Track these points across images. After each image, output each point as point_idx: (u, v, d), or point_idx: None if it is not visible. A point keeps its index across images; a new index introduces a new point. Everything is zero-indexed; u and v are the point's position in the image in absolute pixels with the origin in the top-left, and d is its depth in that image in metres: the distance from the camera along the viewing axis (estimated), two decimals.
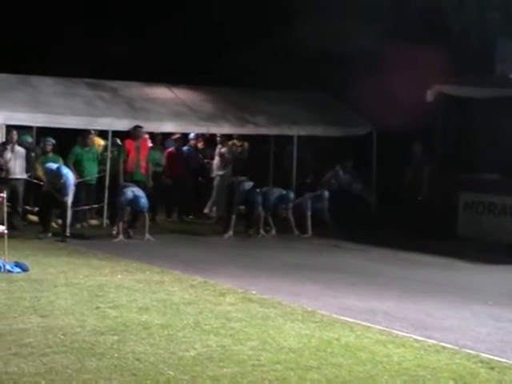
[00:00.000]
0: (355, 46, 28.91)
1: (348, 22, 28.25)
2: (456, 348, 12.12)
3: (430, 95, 25.84)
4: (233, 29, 32.69)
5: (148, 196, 23.32)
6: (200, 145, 29.77)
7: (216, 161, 28.99)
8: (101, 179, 25.59)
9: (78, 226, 24.74)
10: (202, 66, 32.43)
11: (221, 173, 28.73)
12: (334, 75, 29.75)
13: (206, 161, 29.28)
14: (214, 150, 29.25)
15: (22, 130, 25.30)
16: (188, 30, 33.52)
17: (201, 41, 33.39)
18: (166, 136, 28.82)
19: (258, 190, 24.77)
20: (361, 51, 28.84)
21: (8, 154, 24.16)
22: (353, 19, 28.44)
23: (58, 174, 22.50)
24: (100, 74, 28.13)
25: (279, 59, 31.59)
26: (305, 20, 30.21)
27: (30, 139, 25.78)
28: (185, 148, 28.72)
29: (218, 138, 29.03)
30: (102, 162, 25.86)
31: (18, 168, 24.27)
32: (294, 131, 28.31)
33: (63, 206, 22.53)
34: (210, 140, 29.72)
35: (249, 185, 24.63)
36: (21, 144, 24.67)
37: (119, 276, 17.11)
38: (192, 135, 29.17)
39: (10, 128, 24.58)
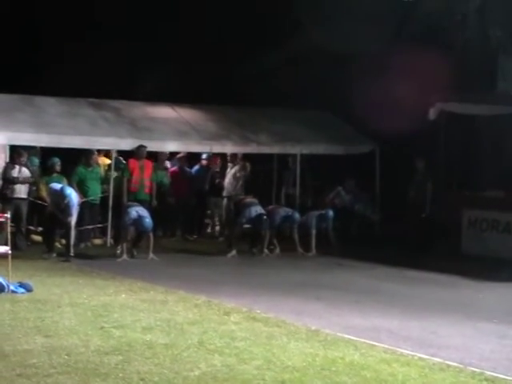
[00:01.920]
0: (358, 64, 28.95)
1: (351, 39, 28.20)
2: (461, 366, 12.10)
3: (432, 113, 25.89)
4: (233, 47, 32.69)
5: (152, 216, 23.33)
6: (216, 164, 29.49)
7: (228, 180, 28.90)
8: (104, 199, 25.57)
9: (82, 245, 24.76)
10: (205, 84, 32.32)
11: (234, 193, 28.63)
12: (337, 93, 29.75)
13: (217, 181, 29.08)
14: (226, 169, 29.21)
15: (30, 150, 25.35)
16: (188, 47, 33.46)
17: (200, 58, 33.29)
18: (173, 155, 28.82)
19: (264, 213, 24.71)
20: (364, 69, 28.87)
21: (15, 173, 24.18)
22: (356, 37, 28.40)
23: (61, 194, 22.55)
24: (102, 94, 28.13)
25: (282, 77, 31.59)
26: (309, 39, 30.21)
27: (36, 162, 25.76)
28: (195, 168, 28.74)
29: (229, 158, 29.01)
30: (105, 181, 25.85)
31: (23, 188, 24.32)
32: (297, 149, 28.30)
33: (67, 226, 22.52)
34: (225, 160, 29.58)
35: (256, 210, 24.53)
36: (26, 165, 24.65)
37: (123, 296, 17.12)
38: (204, 155, 28.99)
39: (18, 149, 24.55)
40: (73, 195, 22.62)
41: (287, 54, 31.08)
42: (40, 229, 25.10)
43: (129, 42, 33.28)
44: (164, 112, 28.57)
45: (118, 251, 22.99)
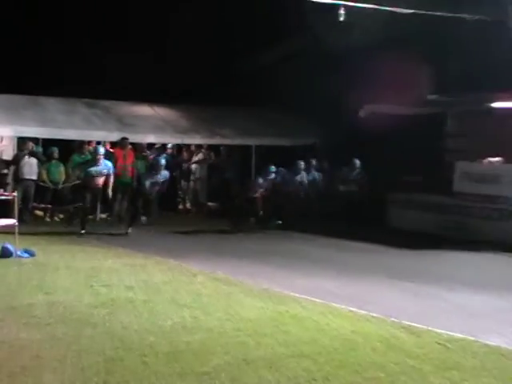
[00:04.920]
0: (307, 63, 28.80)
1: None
2: (383, 317, 12.24)
3: (362, 112, 26.03)
4: (208, 53, 32.38)
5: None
6: (185, 154, 30.13)
7: (195, 166, 29.29)
8: None
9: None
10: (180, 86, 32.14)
11: (198, 176, 29.20)
12: (288, 91, 29.74)
13: (185, 165, 29.40)
14: (191, 157, 29.52)
15: (35, 141, 25.62)
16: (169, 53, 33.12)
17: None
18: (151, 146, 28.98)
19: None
20: (310, 68, 28.76)
21: (24, 159, 24.70)
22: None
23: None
24: (96, 93, 28.08)
25: (245, 80, 31.53)
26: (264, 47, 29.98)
27: (40, 149, 25.93)
28: (163, 155, 29.04)
29: (194, 148, 29.39)
30: None
31: (31, 170, 24.82)
32: (252, 142, 28.57)
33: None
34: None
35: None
36: (33, 153, 24.87)
37: (110, 261, 17.11)
38: (169, 145, 29.59)
39: (25, 140, 24.97)
40: None
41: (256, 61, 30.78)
42: (42, 205, 25.12)
43: (118, 48, 32.86)
44: (144, 110, 28.79)
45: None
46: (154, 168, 25.02)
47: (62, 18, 34.04)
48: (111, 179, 22.41)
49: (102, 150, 23.02)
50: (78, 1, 33.00)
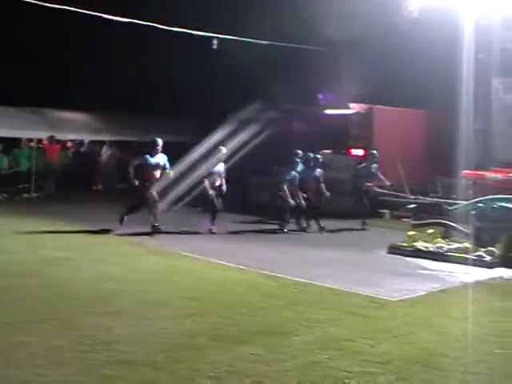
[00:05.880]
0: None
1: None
2: (249, 268, 12.47)
3: (229, 118, 25.83)
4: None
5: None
6: (96, 147, 30.04)
7: (104, 159, 29.21)
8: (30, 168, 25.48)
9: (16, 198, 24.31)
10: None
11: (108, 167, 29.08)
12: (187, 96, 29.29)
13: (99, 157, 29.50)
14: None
15: None
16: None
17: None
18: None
19: None
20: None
21: None
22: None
23: None
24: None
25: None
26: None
27: None
28: (82, 149, 29.31)
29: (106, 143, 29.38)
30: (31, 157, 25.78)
31: None
32: (148, 139, 28.52)
33: None
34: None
35: None
36: None
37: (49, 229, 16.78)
38: (86, 141, 29.69)
39: None
40: None
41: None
42: None
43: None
44: (69, 115, 28.37)
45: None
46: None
47: None
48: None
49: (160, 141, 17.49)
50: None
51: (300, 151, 17.55)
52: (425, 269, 13.10)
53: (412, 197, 16.91)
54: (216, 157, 17.88)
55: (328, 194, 18.66)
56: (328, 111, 22.72)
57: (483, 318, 9.27)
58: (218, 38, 23.11)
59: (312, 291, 10.81)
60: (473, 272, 12.75)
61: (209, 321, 8.83)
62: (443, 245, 14.54)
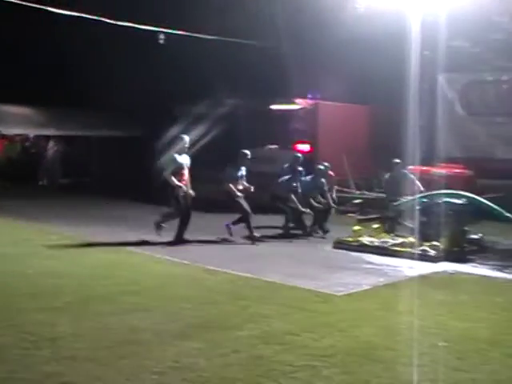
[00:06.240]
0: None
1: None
2: (191, 263, 12.47)
3: (175, 111, 25.83)
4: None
5: None
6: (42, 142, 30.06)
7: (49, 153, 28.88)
8: None
9: None
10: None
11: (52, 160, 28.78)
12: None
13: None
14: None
15: None
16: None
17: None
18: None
19: None
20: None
21: None
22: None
23: None
24: None
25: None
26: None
27: None
28: (27, 143, 29.07)
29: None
30: None
31: None
32: (91, 133, 28.47)
33: None
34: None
35: None
36: None
37: None
38: (31, 135, 29.51)
39: None
40: None
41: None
42: None
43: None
44: (15, 110, 28.05)
45: None
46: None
47: None
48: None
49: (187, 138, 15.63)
50: None
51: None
52: (370, 263, 13.18)
53: (357, 192, 17.01)
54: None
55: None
56: (274, 107, 22.76)
57: (427, 311, 9.35)
58: (164, 32, 23.04)
59: (256, 285, 10.81)
60: (417, 266, 12.86)
61: (152, 316, 8.78)
62: (388, 239, 14.65)
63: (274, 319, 8.74)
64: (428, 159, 20.22)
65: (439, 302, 10.07)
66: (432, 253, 13.66)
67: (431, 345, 7.82)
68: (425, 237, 14.25)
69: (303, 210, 16.42)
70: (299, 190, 16.59)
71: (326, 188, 17.26)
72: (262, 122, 22.64)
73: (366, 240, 14.76)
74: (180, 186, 14.82)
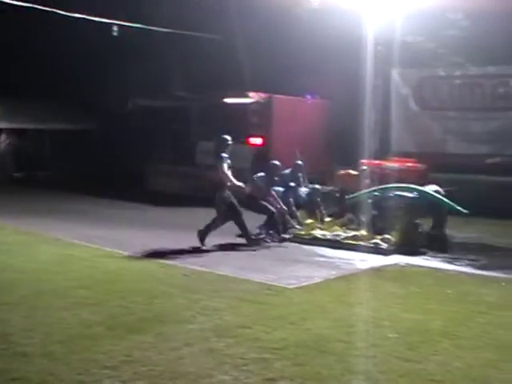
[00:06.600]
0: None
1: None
2: (142, 256, 12.51)
3: (129, 104, 25.91)
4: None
5: None
6: None
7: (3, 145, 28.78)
8: None
9: None
10: None
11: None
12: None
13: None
14: None
15: None
16: None
17: None
18: None
19: None
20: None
21: None
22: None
23: None
24: None
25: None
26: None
27: None
28: None
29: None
30: None
31: None
32: (44, 126, 28.25)
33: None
34: None
35: None
36: None
37: None
38: None
39: None
40: None
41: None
42: None
43: None
44: None
45: None
46: None
47: None
48: None
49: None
50: None
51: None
52: (322, 256, 13.26)
53: (310, 186, 17.07)
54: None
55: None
56: (227, 100, 22.77)
57: (378, 303, 9.46)
58: (118, 25, 22.95)
59: (207, 279, 10.84)
60: (369, 259, 13.00)
61: (105, 310, 8.76)
62: (340, 233, 14.76)
63: (225, 312, 8.77)
64: (382, 153, 20.42)
65: (391, 294, 10.18)
66: (384, 246, 13.80)
67: (382, 336, 7.92)
68: (377, 230, 14.40)
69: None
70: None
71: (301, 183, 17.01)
72: (216, 115, 22.67)
73: (318, 233, 14.85)
74: (241, 186, 14.21)
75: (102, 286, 10.13)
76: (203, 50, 25.46)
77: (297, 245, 14.48)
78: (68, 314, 8.56)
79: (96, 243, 13.67)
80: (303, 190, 16.86)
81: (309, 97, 23.83)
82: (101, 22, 22.73)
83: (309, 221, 15.54)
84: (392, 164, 19.20)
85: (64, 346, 7.31)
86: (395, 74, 22.57)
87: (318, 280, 11.01)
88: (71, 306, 8.89)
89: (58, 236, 14.52)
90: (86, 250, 13.11)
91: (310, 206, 16.47)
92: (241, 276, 11.04)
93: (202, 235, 13.98)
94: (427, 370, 6.95)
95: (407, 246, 13.89)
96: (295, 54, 23.92)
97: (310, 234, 14.81)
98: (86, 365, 6.80)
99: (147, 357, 7.05)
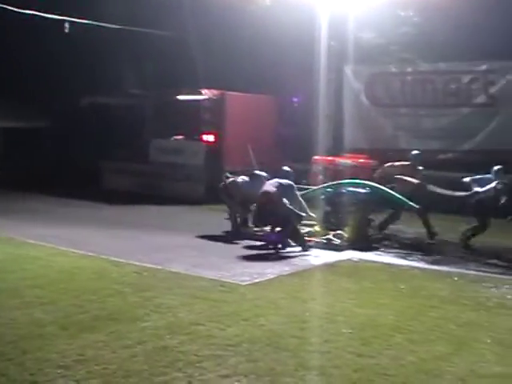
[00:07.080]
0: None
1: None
2: (96, 255, 12.38)
3: (82, 102, 25.72)
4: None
5: None
6: None
7: None
8: None
9: None
10: None
11: None
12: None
13: None
14: None
15: None
16: None
17: None
18: None
19: None
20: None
21: None
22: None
23: None
24: None
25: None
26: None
27: None
28: None
29: None
30: None
31: None
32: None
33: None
34: None
35: None
36: None
37: None
38: None
39: None
40: None
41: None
42: None
43: None
44: None
45: None
46: None
47: None
48: None
49: None
50: None
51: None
52: (276, 253, 13.34)
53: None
54: None
55: None
56: (180, 97, 22.75)
57: (332, 299, 9.56)
58: (69, 21, 22.77)
59: (161, 276, 10.82)
60: (323, 255, 13.11)
61: (58, 309, 8.72)
62: None
63: (179, 309, 8.79)
64: (334, 149, 20.53)
65: (344, 289, 10.29)
66: (337, 242, 13.92)
67: (336, 332, 8.01)
68: (329, 226, 14.50)
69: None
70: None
71: None
72: (169, 112, 22.66)
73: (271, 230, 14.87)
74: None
75: (56, 284, 10.07)
76: (156, 48, 25.40)
77: (251, 242, 14.50)
78: (21, 313, 8.50)
79: (51, 242, 13.53)
80: None
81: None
82: (52, 19, 22.54)
83: None
84: (344, 160, 19.32)
85: (16, 346, 7.27)
86: (348, 70, 22.69)
87: (271, 276, 11.08)
88: (24, 306, 8.83)
89: (11, 235, 14.32)
90: (41, 249, 12.97)
91: None
92: (194, 273, 11.06)
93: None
94: (381, 365, 7.05)
95: (360, 242, 14.03)
96: (249, 51, 23.96)
97: (262, 231, 14.81)
98: (39, 365, 6.78)
99: (100, 355, 7.05)
